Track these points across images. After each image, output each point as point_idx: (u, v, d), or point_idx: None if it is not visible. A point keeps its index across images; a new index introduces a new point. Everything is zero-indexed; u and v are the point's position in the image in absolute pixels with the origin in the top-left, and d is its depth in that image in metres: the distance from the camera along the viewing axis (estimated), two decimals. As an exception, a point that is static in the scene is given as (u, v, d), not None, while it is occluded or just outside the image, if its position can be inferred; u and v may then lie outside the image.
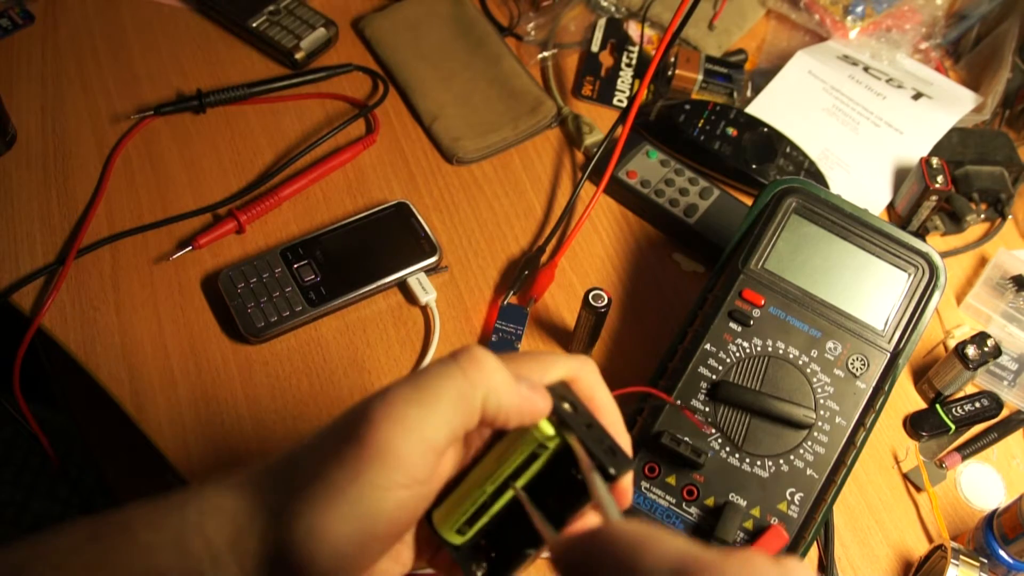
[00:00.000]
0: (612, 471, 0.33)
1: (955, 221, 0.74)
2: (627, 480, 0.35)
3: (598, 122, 0.76)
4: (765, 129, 0.74)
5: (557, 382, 0.36)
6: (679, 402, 0.53)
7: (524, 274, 0.66)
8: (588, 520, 0.36)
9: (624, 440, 0.36)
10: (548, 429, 0.34)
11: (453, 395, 0.32)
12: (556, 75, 0.81)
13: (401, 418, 0.31)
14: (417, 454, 0.31)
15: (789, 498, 0.52)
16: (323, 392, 0.61)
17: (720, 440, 0.53)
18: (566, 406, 0.35)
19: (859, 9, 0.85)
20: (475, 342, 0.64)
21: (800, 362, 0.54)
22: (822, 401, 0.53)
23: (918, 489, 0.61)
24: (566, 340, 0.64)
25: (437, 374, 0.33)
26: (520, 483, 0.35)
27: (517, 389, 0.33)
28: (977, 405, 0.63)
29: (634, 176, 0.72)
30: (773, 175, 0.72)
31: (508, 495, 0.35)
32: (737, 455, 0.52)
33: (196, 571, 0.32)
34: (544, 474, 0.35)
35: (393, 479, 0.31)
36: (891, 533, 0.59)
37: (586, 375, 0.37)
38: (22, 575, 0.32)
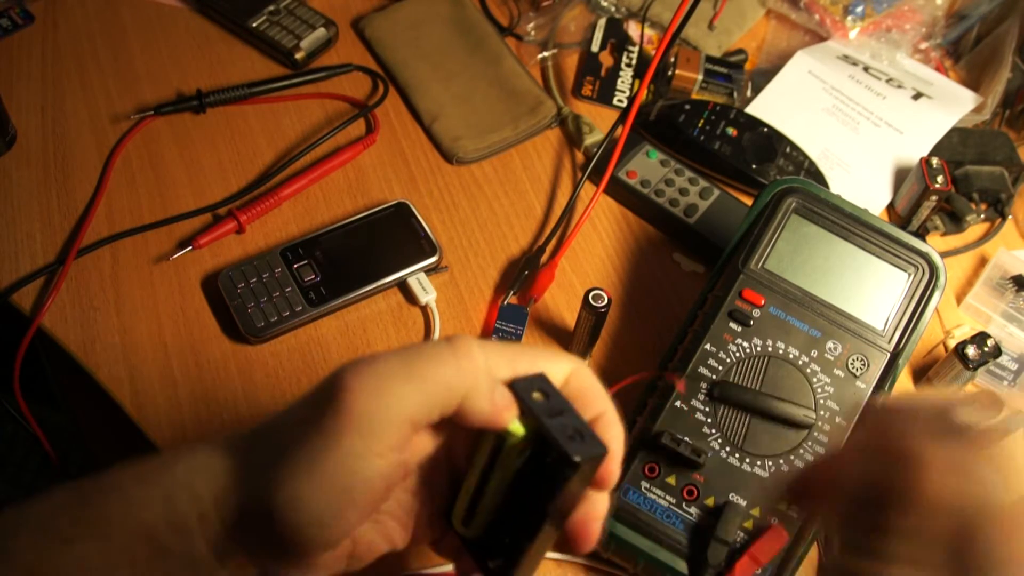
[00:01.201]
0: (577, 458, 0.33)
1: (955, 221, 0.74)
2: (611, 462, 0.35)
3: (598, 122, 0.76)
4: (765, 129, 0.74)
5: (536, 374, 0.36)
6: (682, 382, 0.53)
7: (524, 274, 0.66)
8: (589, 506, 0.36)
9: (615, 431, 0.36)
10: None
11: (443, 383, 0.33)
12: (556, 75, 0.81)
13: (384, 391, 0.32)
14: (394, 426, 0.32)
15: (789, 498, 0.51)
16: (323, 392, 0.61)
17: (720, 440, 0.53)
18: (536, 395, 0.35)
19: (859, 9, 0.84)
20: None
21: (800, 362, 0.54)
22: (822, 401, 0.53)
23: (918, 489, 0.61)
24: (566, 340, 0.64)
25: (431, 357, 0.33)
26: (504, 473, 0.35)
27: (491, 397, 0.34)
28: (977, 405, 0.63)
29: (634, 176, 0.72)
30: (773, 175, 0.72)
31: (492, 483, 0.36)
32: (737, 455, 0.52)
33: (183, 526, 0.33)
34: (527, 464, 0.36)
35: (370, 447, 0.32)
36: (891, 533, 0.59)
37: (580, 370, 0.37)
38: (5, 543, 0.33)
